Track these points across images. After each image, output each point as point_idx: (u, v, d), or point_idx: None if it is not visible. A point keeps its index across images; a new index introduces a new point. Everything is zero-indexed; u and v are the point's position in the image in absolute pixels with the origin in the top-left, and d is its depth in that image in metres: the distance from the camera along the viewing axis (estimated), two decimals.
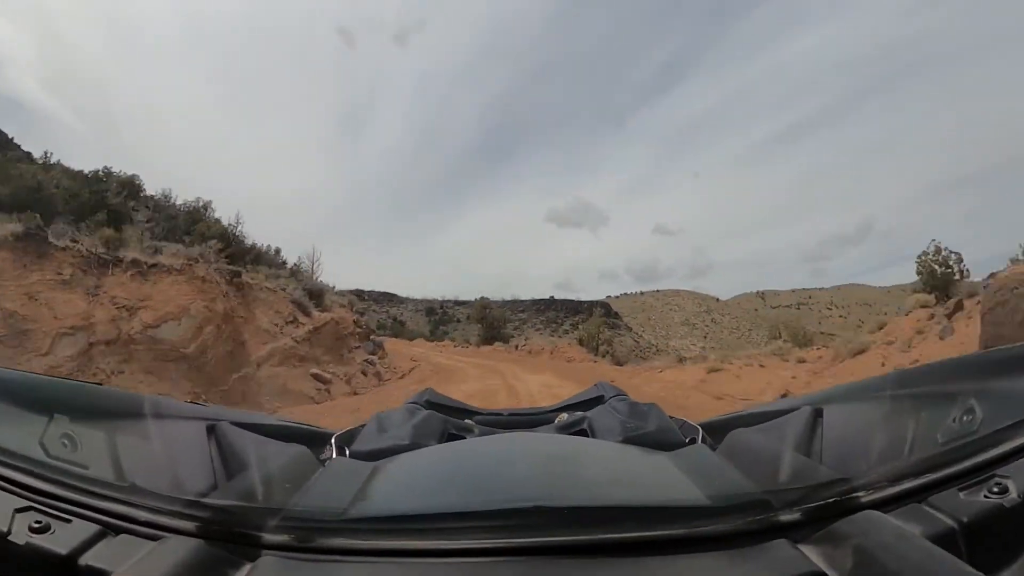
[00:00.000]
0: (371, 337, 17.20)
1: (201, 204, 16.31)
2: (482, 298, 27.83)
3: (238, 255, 13.77)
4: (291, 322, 11.10)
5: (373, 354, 16.48)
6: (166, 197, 16.71)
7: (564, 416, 1.15)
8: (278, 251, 17.42)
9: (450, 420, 1.07)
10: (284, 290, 12.90)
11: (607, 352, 18.10)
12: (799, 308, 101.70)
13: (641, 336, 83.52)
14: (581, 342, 18.90)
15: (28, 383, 0.64)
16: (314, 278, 15.55)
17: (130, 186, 16.46)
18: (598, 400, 1.24)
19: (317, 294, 14.43)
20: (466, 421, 1.14)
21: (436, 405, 1.19)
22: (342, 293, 16.97)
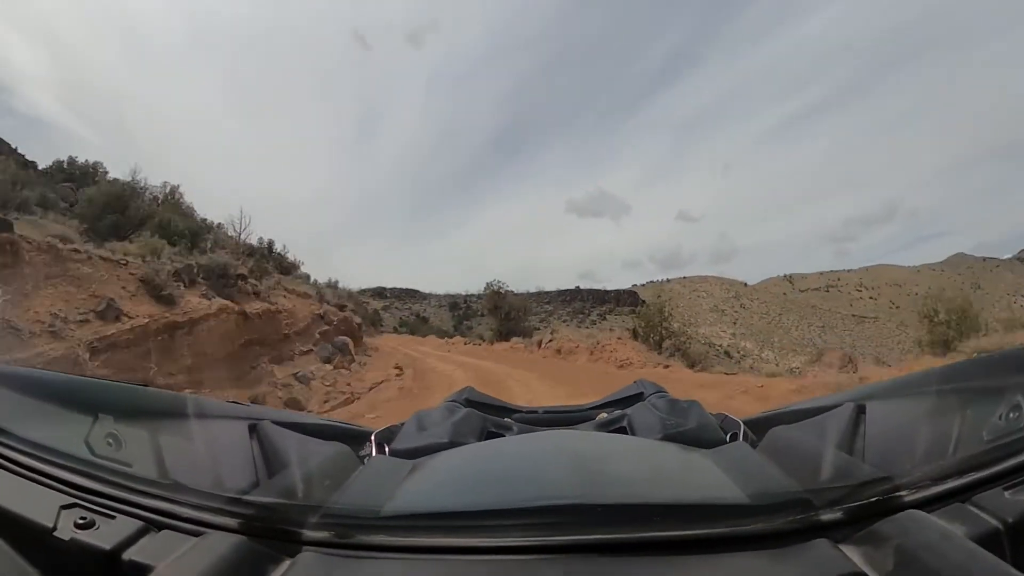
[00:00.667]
0: (336, 338, 12.38)
1: (168, 189, 15.06)
2: (494, 283, 21.82)
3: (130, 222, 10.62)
4: (100, 313, 5.43)
5: (328, 361, 11.70)
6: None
7: (603, 414, 1.13)
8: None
9: (489, 418, 1.06)
10: (159, 262, 7.24)
11: (675, 349, 11.98)
12: (828, 291, 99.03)
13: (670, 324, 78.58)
14: (635, 335, 12.90)
15: (74, 385, 0.67)
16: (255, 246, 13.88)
17: (92, 174, 15.85)
18: (638, 397, 1.21)
19: (220, 272, 8.43)
20: (505, 419, 1.13)
21: (475, 403, 1.18)
22: (321, 284, 15.55)
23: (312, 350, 10.87)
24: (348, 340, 12.25)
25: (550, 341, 14.97)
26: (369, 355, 12.86)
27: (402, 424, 0.98)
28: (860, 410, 0.71)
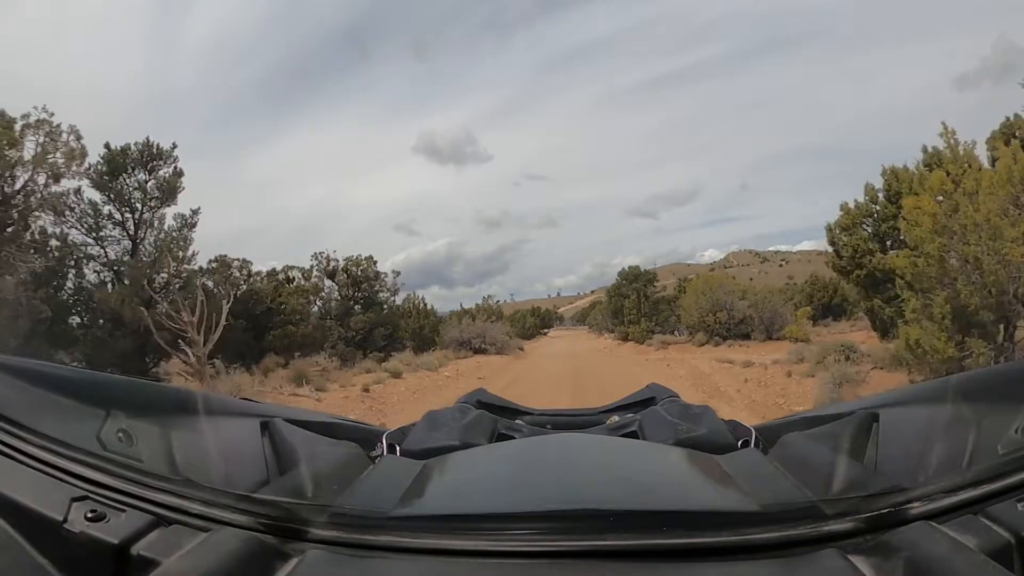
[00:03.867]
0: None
1: None
2: None
3: None
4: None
5: None
6: None
7: (615, 418, 1.13)
8: None
9: (501, 420, 1.06)
10: None
11: None
12: None
13: None
14: None
15: (87, 380, 0.67)
16: None
17: None
18: (650, 401, 1.19)
19: None
20: (517, 421, 1.13)
21: (487, 405, 1.17)
22: None
23: None
24: None
25: None
26: None
27: (414, 424, 0.98)
28: (873, 419, 0.69)
